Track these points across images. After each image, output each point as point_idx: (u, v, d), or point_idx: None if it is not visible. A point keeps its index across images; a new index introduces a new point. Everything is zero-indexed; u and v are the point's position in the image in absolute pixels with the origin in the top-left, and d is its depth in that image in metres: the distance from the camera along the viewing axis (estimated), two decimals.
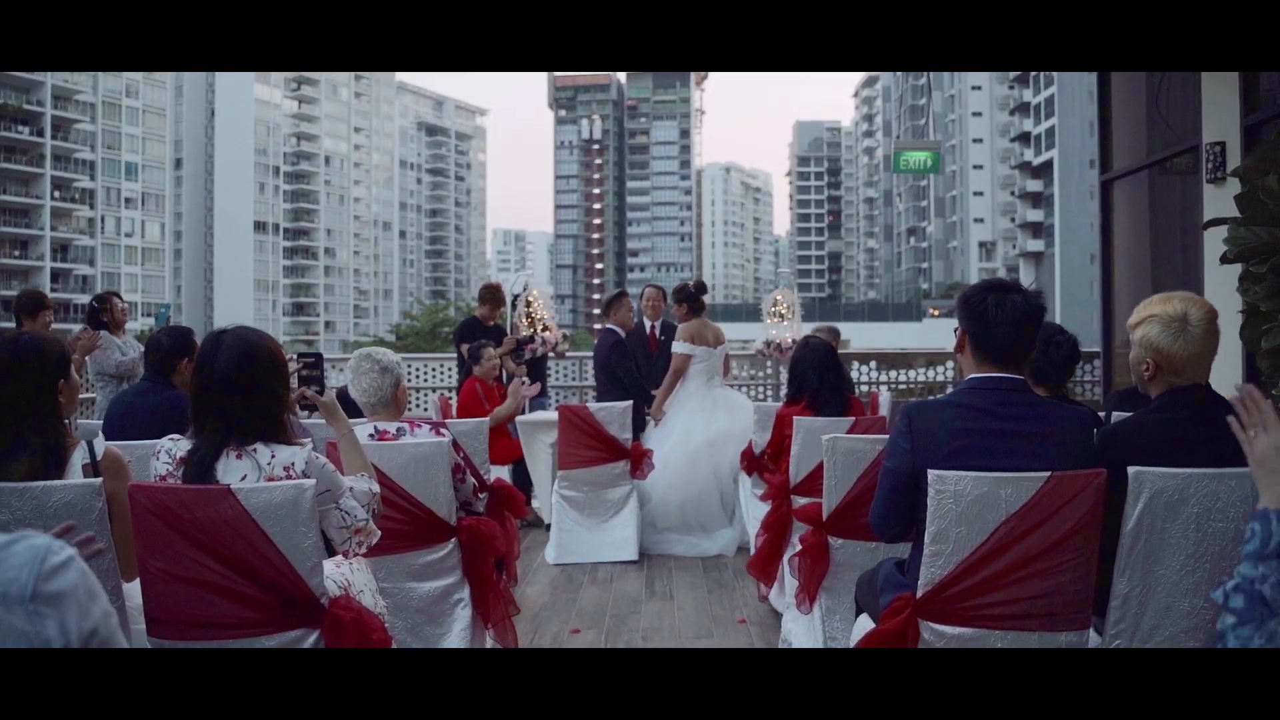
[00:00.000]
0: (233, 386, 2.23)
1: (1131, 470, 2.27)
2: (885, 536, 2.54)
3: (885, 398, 6.99)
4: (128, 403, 3.82)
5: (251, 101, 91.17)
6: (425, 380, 11.24)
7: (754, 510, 5.66)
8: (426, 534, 3.34)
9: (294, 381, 2.61)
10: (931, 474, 2.24)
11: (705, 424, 6.19)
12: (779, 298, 8.63)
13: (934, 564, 2.28)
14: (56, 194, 70.98)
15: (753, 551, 5.65)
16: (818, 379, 4.56)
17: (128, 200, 77.61)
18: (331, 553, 2.46)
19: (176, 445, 2.30)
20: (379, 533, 2.40)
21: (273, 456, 2.25)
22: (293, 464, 2.25)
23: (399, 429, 3.35)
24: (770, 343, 8.40)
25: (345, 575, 2.53)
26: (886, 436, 3.35)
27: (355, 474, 2.54)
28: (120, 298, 6.50)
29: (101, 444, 2.33)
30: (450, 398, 7.46)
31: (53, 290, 68.15)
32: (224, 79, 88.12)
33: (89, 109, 73.49)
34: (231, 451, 2.24)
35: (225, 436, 2.24)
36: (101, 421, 3.92)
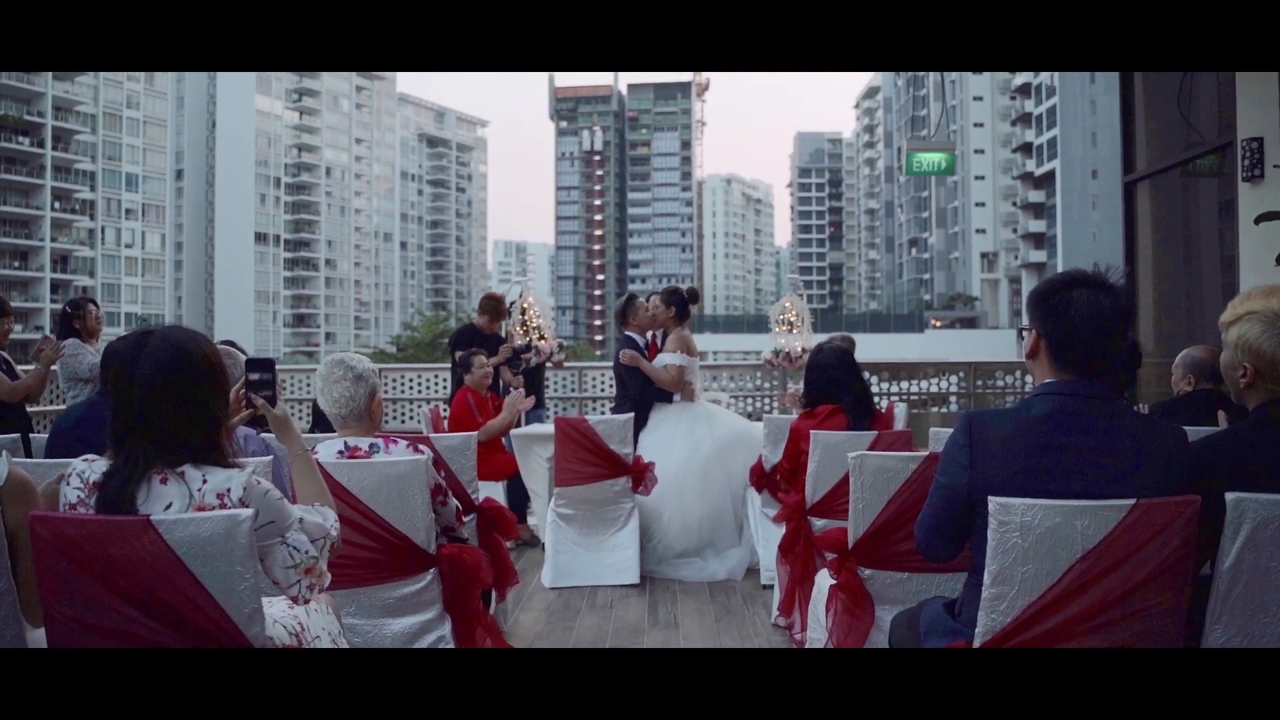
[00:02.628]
0: (158, 397, 1.86)
1: (1230, 497, 1.90)
2: (933, 555, 2.18)
3: (901, 410, 6.60)
4: (78, 416, 3.42)
5: (252, 112, 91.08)
6: (420, 391, 10.88)
7: (764, 531, 5.29)
8: (402, 563, 2.97)
9: (242, 390, 2.24)
10: (994, 503, 1.87)
11: (709, 430, 5.81)
12: (788, 304, 8.23)
13: (995, 609, 1.91)
14: (56, 205, 70.82)
15: (763, 578, 5.32)
16: (851, 383, 4.18)
17: (128, 211, 77.44)
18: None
19: (90, 467, 1.92)
20: (329, 576, 2.03)
21: (204, 481, 1.88)
22: (228, 490, 1.88)
23: (372, 445, 2.99)
24: (779, 352, 7.99)
25: (298, 619, 2.16)
26: (916, 454, 3.02)
27: (309, 502, 2.17)
28: (96, 305, 6.22)
29: (4, 465, 1.97)
30: (443, 409, 7.10)
31: (53, 301, 68.04)
32: (225, 90, 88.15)
33: (89, 120, 73.36)
34: (156, 475, 1.87)
35: (148, 457, 1.87)
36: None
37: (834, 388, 4.16)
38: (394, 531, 2.93)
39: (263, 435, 3.08)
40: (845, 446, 3.89)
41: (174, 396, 1.87)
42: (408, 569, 2.98)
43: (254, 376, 2.19)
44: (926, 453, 2.96)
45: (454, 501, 3.14)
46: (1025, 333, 2.11)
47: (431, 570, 3.02)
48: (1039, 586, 1.88)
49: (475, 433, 4.15)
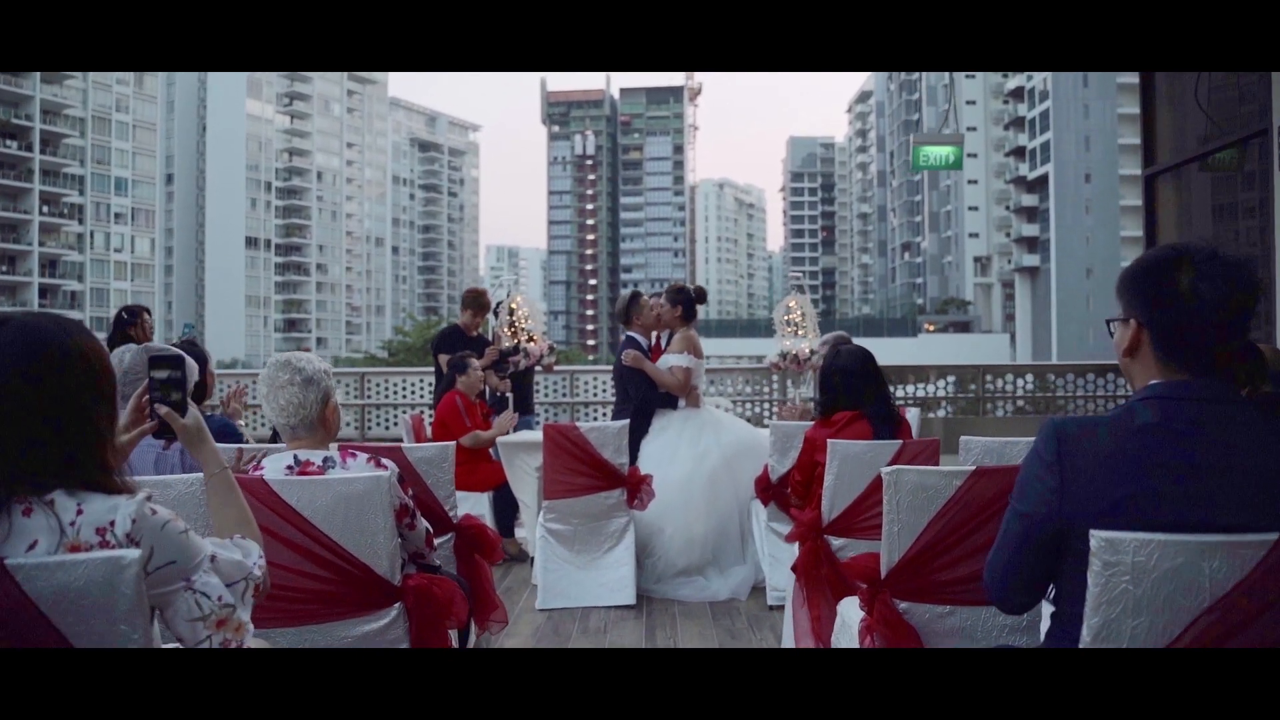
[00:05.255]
0: (12, 402, 1.44)
1: None
2: (1008, 605, 1.77)
3: (913, 416, 6.20)
4: None
5: (243, 116, 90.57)
6: (405, 396, 10.45)
7: (771, 547, 4.89)
8: (361, 597, 2.54)
9: (146, 396, 1.81)
10: (1098, 538, 1.46)
11: (716, 438, 5.38)
12: (792, 304, 7.77)
13: None
14: (45, 209, 70.20)
15: (769, 598, 4.90)
16: (875, 388, 3.76)
17: (117, 215, 76.78)
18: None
19: None
20: (250, 628, 1.61)
21: (79, 512, 1.46)
22: (110, 523, 1.46)
23: (326, 459, 2.56)
24: (786, 354, 7.51)
25: None
26: (958, 469, 2.61)
27: (228, 534, 1.75)
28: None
29: None
30: (424, 415, 6.67)
31: (41, 305, 67.47)
32: (215, 93, 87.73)
33: (78, 123, 72.74)
34: (17, 505, 1.45)
35: (6, 481, 1.45)
36: None
37: (856, 393, 3.73)
38: (351, 560, 2.50)
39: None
40: (866, 457, 3.50)
41: (34, 400, 1.44)
42: (368, 603, 2.56)
43: (159, 377, 1.77)
44: (971, 467, 2.54)
45: (423, 524, 2.71)
46: (1116, 324, 1.70)
47: (396, 605, 2.59)
48: (1154, 644, 1.48)
49: (453, 442, 3.72)
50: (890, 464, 3.43)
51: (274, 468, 2.53)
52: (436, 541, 3.40)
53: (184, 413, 1.77)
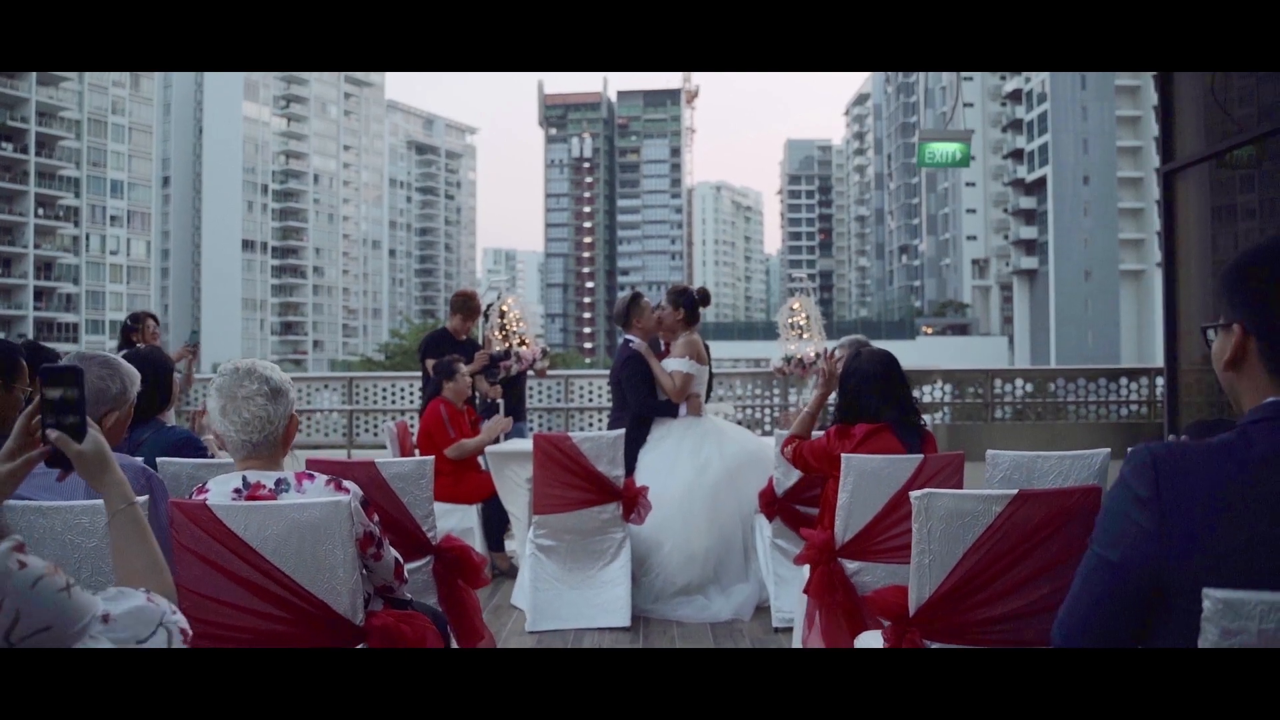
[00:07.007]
0: None
1: None
2: None
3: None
4: None
5: (240, 119, 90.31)
6: (393, 401, 10.14)
7: (777, 564, 4.59)
8: (319, 638, 2.23)
9: (37, 417, 1.51)
10: (1213, 598, 1.16)
11: (718, 449, 5.07)
12: (795, 305, 7.44)
13: None
14: (40, 211, 69.87)
15: (774, 620, 4.60)
16: (900, 397, 3.45)
17: (113, 218, 76.44)
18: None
19: None
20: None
21: None
22: None
23: (280, 482, 2.25)
24: (790, 359, 7.17)
25: None
26: (998, 494, 2.30)
27: (133, 584, 1.44)
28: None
29: None
30: (410, 423, 6.36)
31: (36, 308, 67.19)
32: (212, 96, 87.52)
33: (74, 125, 72.39)
34: None
35: None
36: None
37: (876, 400, 3.42)
38: (307, 596, 2.20)
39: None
40: (883, 474, 3.20)
41: None
42: (327, 645, 2.25)
43: (51, 396, 1.46)
44: (1012, 492, 2.24)
45: (391, 554, 2.40)
46: (1214, 331, 1.40)
47: (359, 647, 2.29)
48: None
49: (431, 457, 3.42)
50: (911, 480, 3.14)
51: (220, 491, 2.23)
52: (414, 565, 3.11)
53: (80, 437, 1.46)
